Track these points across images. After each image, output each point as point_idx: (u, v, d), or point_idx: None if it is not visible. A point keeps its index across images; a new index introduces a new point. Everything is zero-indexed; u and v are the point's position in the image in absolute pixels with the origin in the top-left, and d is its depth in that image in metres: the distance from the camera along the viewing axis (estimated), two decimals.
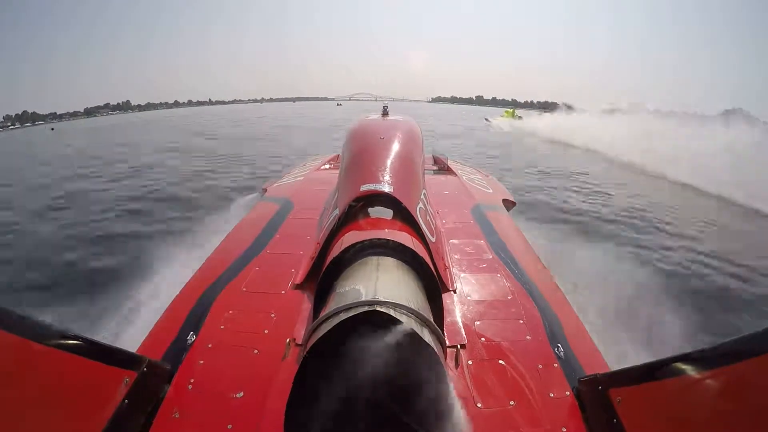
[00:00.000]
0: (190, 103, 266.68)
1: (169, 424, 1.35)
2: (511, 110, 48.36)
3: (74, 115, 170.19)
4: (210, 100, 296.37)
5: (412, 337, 1.15)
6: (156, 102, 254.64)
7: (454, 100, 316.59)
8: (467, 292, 2.07)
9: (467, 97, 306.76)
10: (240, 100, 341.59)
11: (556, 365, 1.60)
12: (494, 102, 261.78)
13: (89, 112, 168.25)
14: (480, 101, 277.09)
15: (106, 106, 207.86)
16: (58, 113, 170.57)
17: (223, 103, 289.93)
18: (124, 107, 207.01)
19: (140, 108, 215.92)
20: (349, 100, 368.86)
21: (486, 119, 44.89)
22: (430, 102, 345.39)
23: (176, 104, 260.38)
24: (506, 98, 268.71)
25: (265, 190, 4.31)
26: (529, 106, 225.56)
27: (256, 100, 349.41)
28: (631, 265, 5.92)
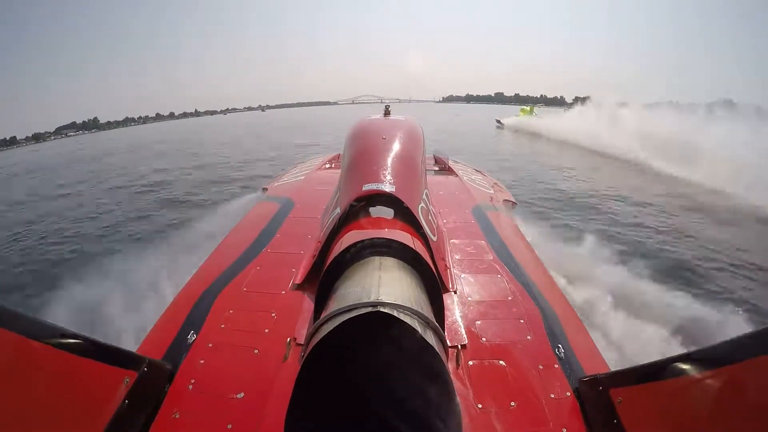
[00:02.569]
0: (172, 116, 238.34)
1: (170, 423, 1.35)
2: (530, 107, 40.00)
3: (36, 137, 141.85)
4: (196, 110, 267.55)
5: (416, 338, 1.15)
6: (135, 116, 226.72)
7: (469, 98, 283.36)
8: (468, 293, 2.07)
9: (485, 94, 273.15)
10: (236, 109, 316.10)
11: (556, 365, 1.60)
12: (517, 99, 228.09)
13: (38, 137, 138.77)
14: (500, 99, 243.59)
15: (72, 125, 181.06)
16: (17, 138, 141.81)
17: (213, 113, 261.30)
18: (90, 126, 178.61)
19: (111, 125, 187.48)
20: (353, 103, 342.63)
21: (497, 122, 37.36)
22: (441, 102, 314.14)
23: (158, 117, 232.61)
24: (532, 94, 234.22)
25: (265, 189, 4.35)
26: (559, 103, 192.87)
27: (252, 108, 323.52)
28: None
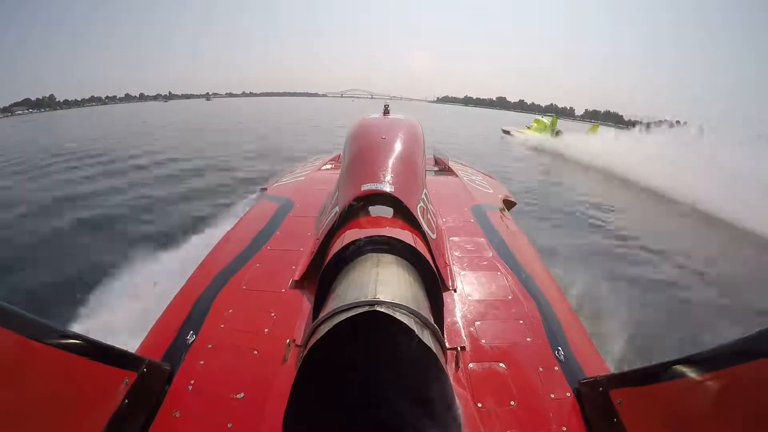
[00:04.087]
0: (143, 98, 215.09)
1: (169, 423, 1.34)
2: (550, 120, 29.00)
3: None
4: (170, 93, 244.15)
5: (413, 338, 1.13)
6: (102, 95, 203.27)
7: (468, 101, 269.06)
8: (468, 292, 2.06)
9: (486, 98, 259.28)
10: (217, 94, 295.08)
11: (556, 368, 1.59)
12: (522, 106, 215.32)
13: None
14: (502, 104, 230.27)
15: (25, 102, 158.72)
16: None
17: (190, 96, 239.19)
18: (44, 104, 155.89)
19: (68, 104, 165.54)
20: (341, 96, 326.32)
21: (504, 131, 31.02)
22: (434, 102, 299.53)
23: (127, 98, 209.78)
24: (537, 102, 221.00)
25: (265, 189, 4.37)
26: (568, 114, 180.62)
27: (233, 94, 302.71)
28: None
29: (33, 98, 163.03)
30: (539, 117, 32.63)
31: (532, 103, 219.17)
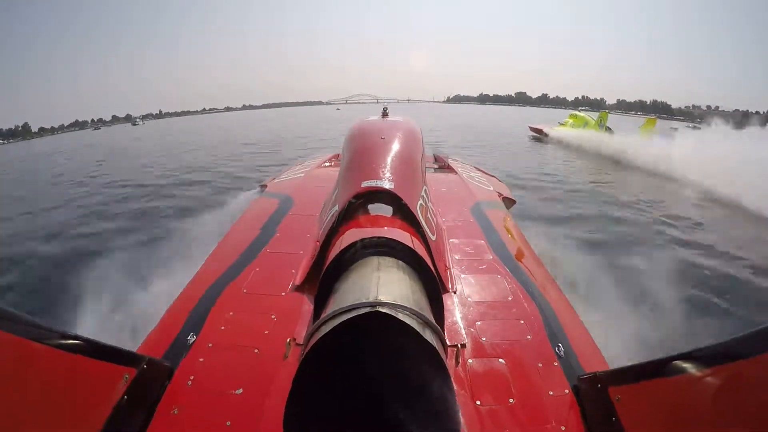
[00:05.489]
0: (129, 119, 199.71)
1: (168, 420, 1.36)
2: (599, 115, 23.82)
3: None
4: (161, 111, 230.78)
5: (415, 338, 1.16)
6: (89, 119, 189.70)
7: (484, 98, 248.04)
8: (467, 293, 2.10)
9: (504, 94, 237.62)
10: (215, 109, 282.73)
11: (556, 364, 1.62)
12: (545, 101, 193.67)
13: None
14: (523, 99, 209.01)
15: (9, 131, 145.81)
16: None
17: (187, 113, 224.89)
18: (17, 133, 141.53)
19: (45, 131, 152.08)
20: (345, 103, 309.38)
21: (533, 130, 25.86)
22: (446, 102, 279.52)
23: (115, 120, 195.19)
24: (562, 95, 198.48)
25: (264, 187, 4.39)
26: (598, 105, 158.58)
27: (231, 108, 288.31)
28: None
29: (6, 128, 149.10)
30: (575, 112, 28.04)
31: (556, 96, 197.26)
